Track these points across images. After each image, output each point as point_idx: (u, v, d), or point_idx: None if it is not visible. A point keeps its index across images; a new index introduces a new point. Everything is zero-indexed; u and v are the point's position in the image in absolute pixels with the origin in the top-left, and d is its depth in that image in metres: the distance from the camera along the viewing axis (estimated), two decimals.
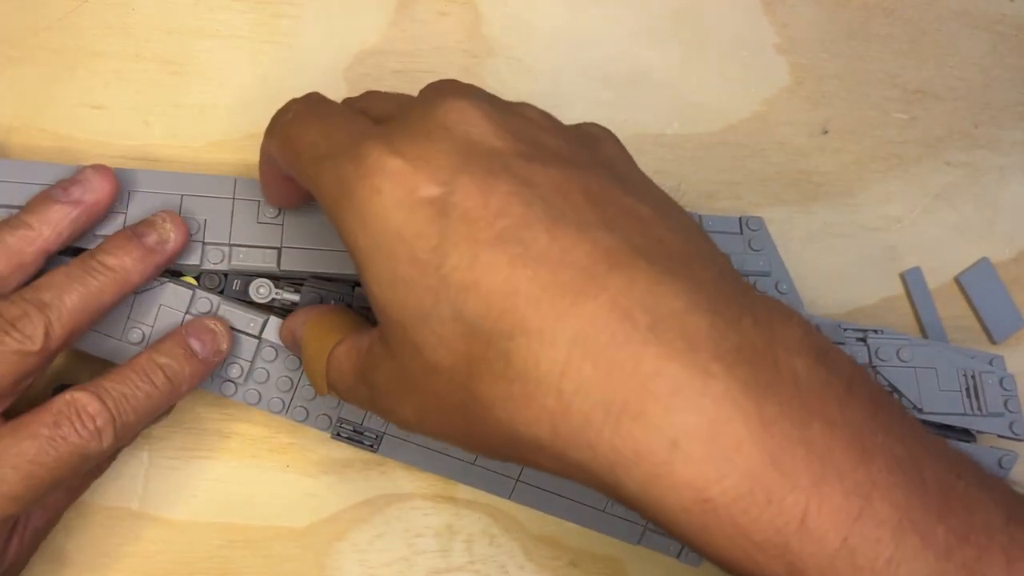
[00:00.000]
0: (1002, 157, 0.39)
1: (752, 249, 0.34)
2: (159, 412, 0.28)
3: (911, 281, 0.37)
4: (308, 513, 0.33)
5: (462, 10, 0.37)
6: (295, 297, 0.31)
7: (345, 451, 0.34)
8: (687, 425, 0.18)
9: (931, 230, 0.38)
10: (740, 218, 0.34)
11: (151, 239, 0.29)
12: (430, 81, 0.25)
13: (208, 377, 0.30)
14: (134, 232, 0.28)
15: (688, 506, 0.19)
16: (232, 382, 0.30)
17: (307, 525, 0.33)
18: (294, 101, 0.26)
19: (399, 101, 0.26)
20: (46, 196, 0.28)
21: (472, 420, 0.21)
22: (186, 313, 0.30)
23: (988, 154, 0.39)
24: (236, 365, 0.30)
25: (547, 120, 0.25)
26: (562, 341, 0.19)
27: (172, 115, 0.34)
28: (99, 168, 0.29)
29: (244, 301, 0.31)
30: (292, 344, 0.29)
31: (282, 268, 0.31)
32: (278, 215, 0.31)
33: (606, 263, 0.20)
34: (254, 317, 0.30)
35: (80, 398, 0.26)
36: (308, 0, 0.36)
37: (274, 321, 0.31)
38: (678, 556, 0.33)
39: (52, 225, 0.28)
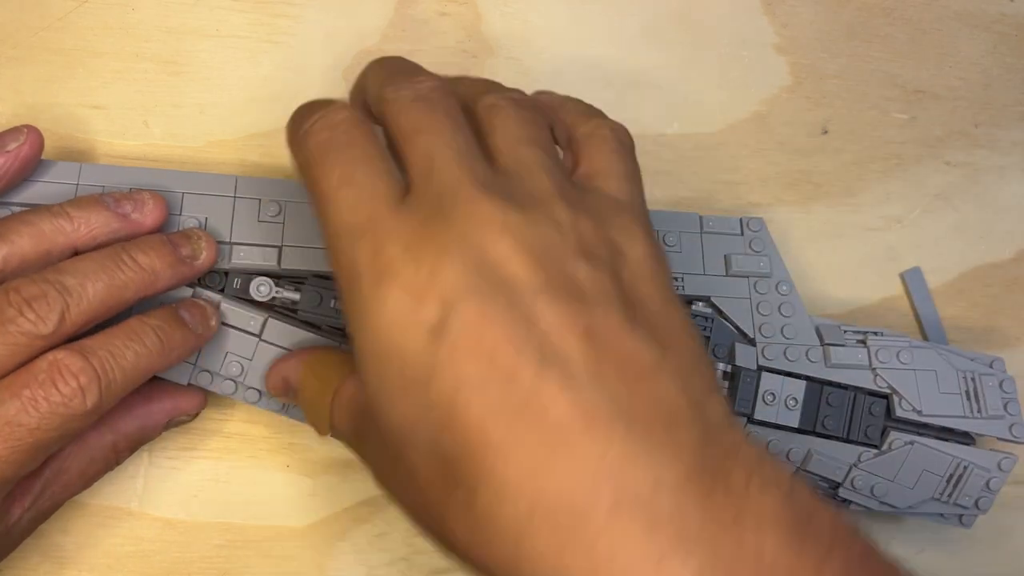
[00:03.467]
0: (1002, 157, 0.39)
1: (753, 250, 0.34)
2: (147, 375, 0.27)
3: (911, 281, 0.37)
4: (308, 513, 0.33)
5: (462, 10, 0.37)
6: (295, 296, 0.31)
7: (345, 451, 0.33)
8: None
9: (931, 230, 0.38)
10: (741, 219, 0.34)
11: (185, 250, 0.29)
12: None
13: (197, 350, 0.29)
14: (169, 239, 0.28)
15: None
16: (232, 380, 0.30)
17: (307, 525, 0.33)
18: (317, 115, 0.24)
19: (438, 152, 0.23)
20: (97, 199, 0.28)
21: (440, 537, 0.22)
22: None
23: (988, 154, 0.39)
24: (236, 363, 0.30)
25: (573, 222, 0.23)
26: (524, 501, 0.19)
27: (172, 115, 0.34)
28: (156, 195, 0.29)
29: (245, 299, 0.31)
30: (283, 389, 0.29)
31: (283, 266, 0.31)
32: (279, 214, 0.31)
33: (582, 424, 0.19)
34: (254, 315, 0.30)
35: (62, 357, 0.25)
36: (308, 0, 0.36)
37: (273, 323, 0.31)
38: None
39: (91, 227, 0.28)
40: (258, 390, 0.31)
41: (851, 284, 0.37)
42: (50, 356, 0.25)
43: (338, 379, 0.27)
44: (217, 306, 0.30)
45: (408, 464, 0.22)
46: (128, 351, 0.26)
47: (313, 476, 0.33)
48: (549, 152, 0.25)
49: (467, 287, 0.21)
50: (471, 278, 0.21)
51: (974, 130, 0.39)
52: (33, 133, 0.29)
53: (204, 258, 0.29)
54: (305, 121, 0.24)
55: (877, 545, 0.20)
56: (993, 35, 0.40)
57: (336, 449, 0.33)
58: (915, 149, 0.38)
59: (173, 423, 0.31)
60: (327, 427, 0.26)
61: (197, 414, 0.32)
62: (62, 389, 0.24)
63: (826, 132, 0.38)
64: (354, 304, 0.22)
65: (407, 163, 0.23)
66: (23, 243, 0.27)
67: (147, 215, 0.29)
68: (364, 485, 0.34)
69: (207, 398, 0.32)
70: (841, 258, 0.37)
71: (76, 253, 0.27)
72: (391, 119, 0.24)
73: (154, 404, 0.30)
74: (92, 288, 0.26)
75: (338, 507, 0.33)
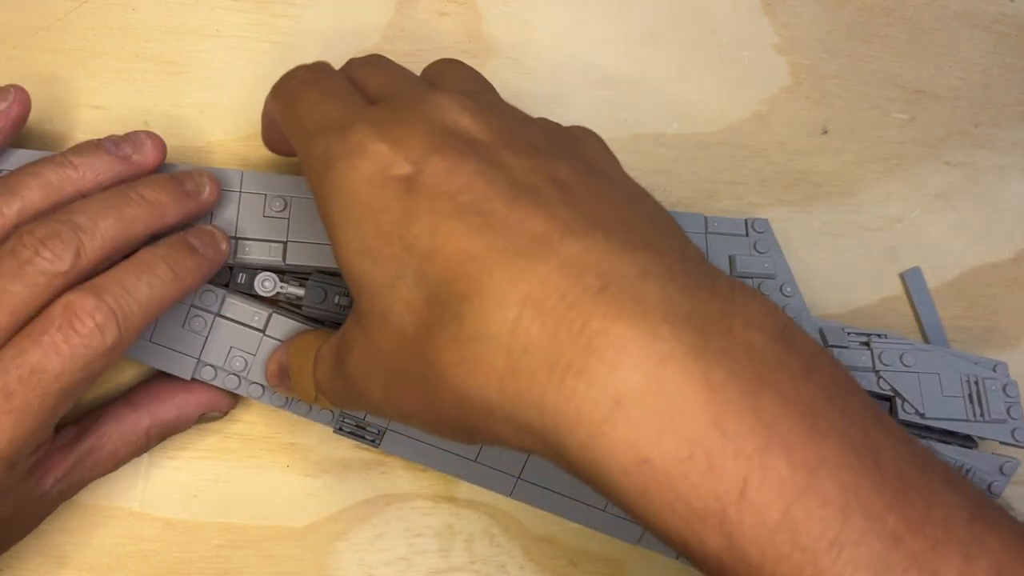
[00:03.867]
0: (1002, 157, 0.39)
1: (757, 251, 0.34)
2: (165, 306, 0.27)
3: (911, 281, 0.37)
4: (308, 513, 0.33)
5: (462, 10, 0.37)
6: (300, 291, 0.31)
7: (345, 451, 0.34)
8: (630, 384, 0.18)
9: (931, 230, 0.38)
10: (746, 220, 0.34)
11: (189, 185, 0.29)
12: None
13: (211, 275, 0.29)
14: (173, 175, 0.29)
15: (627, 468, 0.18)
16: (236, 375, 0.30)
17: (307, 525, 0.33)
18: (301, 67, 0.27)
19: (396, 80, 0.26)
20: (96, 144, 0.29)
21: (430, 391, 0.21)
22: (191, 306, 0.30)
23: (988, 154, 0.39)
24: (240, 358, 0.30)
25: (529, 118, 0.26)
26: (512, 302, 0.19)
27: (172, 115, 0.34)
28: (152, 134, 0.30)
29: (249, 294, 0.31)
30: (279, 374, 0.30)
31: (287, 262, 0.31)
32: (284, 209, 0.31)
33: (561, 232, 0.20)
34: (258, 311, 0.31)
35: (75, 298, 0.25)
36: (308, 0, 0.36)
37: (277, 318, 0.31)
38: (677, 557, 0.33)
39: (95, 172, 0.28)
40: (261, 385, 0.31)
41: (851, 284, 0.37)
42: (63, 300, 0.25)
43: (318, 344, 0.27)
44: (228, 236, 0.30)
45: (394, 319, 0.22)
46: (141, 283, 0.26)
47: (313, 476, 0.33)
48: (494, 91, 0.28)
49: (435, 145, 0.22)
50: (437, 138, 0.22)
51: (974, 130, 0.39)
52: (20, 91, 0.30)
53: (208, 193, 0.30)
54: (283, 77, 0.27)
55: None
56: (993, 35, 0.40)
57: (336, 449, 0.33)
58: (915, 149, 0.38)
59: (205, 417, 0.32)
60: (312, 390, 0.27)
61: (227, 413, 0.32)
62: (80, 330, 0.24)
63: (826, 132, 0.38)
64: (327, 185, 0.23)
65: (370, 95, 0.26)
66: (33, 196, 0.27)
67: (148, 155, 0.29)
68: (364, 485, 0.34)
69: (238, 400, 0.32)
70: (841, 258, 0.37)
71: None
72: (351, 76, 0.27)
73: (193, 396, 0.31)
74: (103, 224, 0.26)
75: (338, 507, 0.33)
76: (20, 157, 0.30)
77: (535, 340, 0.19)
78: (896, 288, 0.37)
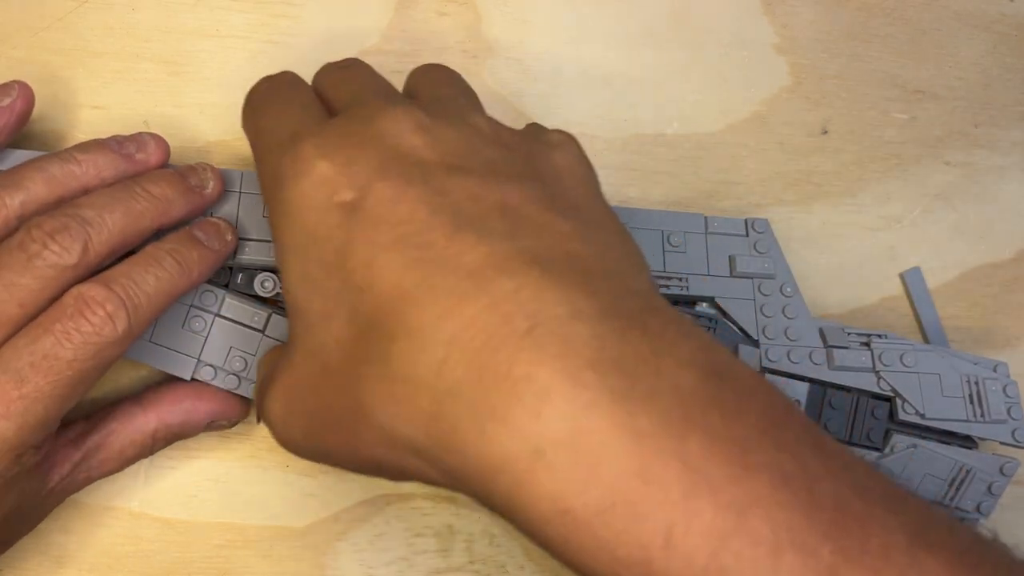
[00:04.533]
0: (1002, 157, 0.39)
1: (757, 252, 0.34)
2: (172, 298, 0.27)
3: (911, 281, 0.37)
4: (308, 513, 0.33)
5: (462, 10, 0.37)
6: None
7: None
8: (552, 433, 0.18)
9: (931, 230, 0.38)
10: (746, 220, 0.34)
11: (193, 180, 0.29)
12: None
13: (218, 267, 0.29)
14: (177, 170, 0.29)
15: (549, 517, 0.18)
16: (236, 375, 0.31)
17: (307, 525, 0.33)
18: (265, 79, 0.28)
19: (361, 91, 0.26)
20: (101, 143, 0.29)
21: (355, 428, 0.21)
22: (191, 306, 0.30)
23: (988, 154, 0.39)
24: (240, 359, 0.30)
25: (494, 132, 0.25)
26: (440, 342, 0.19)
27: (172, 115, 0.34)
28: (156, 135, 0.30)
29: (249, 295, 0.31)
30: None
31: None
32: None
33: (496, 268, 0.19)
34: (258, 311, 0.31)
35: (86, 289, 0.25)
36: (308, 0, 0.36)
37: (277, 318, 0.31)
38: None
39: (99, 169, 0.28)
40: None
41: (851, 284, 0.37)
42: (75, 290, 0.25)
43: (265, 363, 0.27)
44: (233, 228, 0.30)
45: (325, 355, 0.22)
46: (148, 276, 0.26)
47: (313, 476, 0.33)
48: (469, 95, 0.27)
49: (380, 171, 0.22)
50: (384, 162, 0.22)
51: (974, 130, 0.39)
52: (23, 87, 0.30)
53: (212, 187, 0.30)
54: (253, 88, 0.28)
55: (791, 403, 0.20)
56: (993, 35, 0.40)
57: None
58: (915, 149, 0.38)
59: (214, 426, 0.32)
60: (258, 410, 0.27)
61: (236, 423, 0.32)
62: (91, 319, 0.25)
63: (826, 132, 0.38)
64: (276, 207, 0.23)
65: (334, 106, 0.26)
66: (38, 189, 0.27)
67: (151, 154, 0.29)
68: (364, 485, 0.34)
69: (249, 409, 0.32)
70: (841, 258, 0.37)
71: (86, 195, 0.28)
72: (321, 84, 0.27)
73: (202, 402, 0.31)
74: (110, 218, 0.26)
75: (338, 507, 0.33)
76: (18, 157, 0.30)
77: (460, 382, 0.19)
78: (896, 288, 0.37)
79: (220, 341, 0.30)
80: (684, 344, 0.19)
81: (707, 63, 0.38)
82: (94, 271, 0.26)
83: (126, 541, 0.32)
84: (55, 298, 0.25)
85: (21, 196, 0.27)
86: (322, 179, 0.22)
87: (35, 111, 0.31)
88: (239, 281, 0.31)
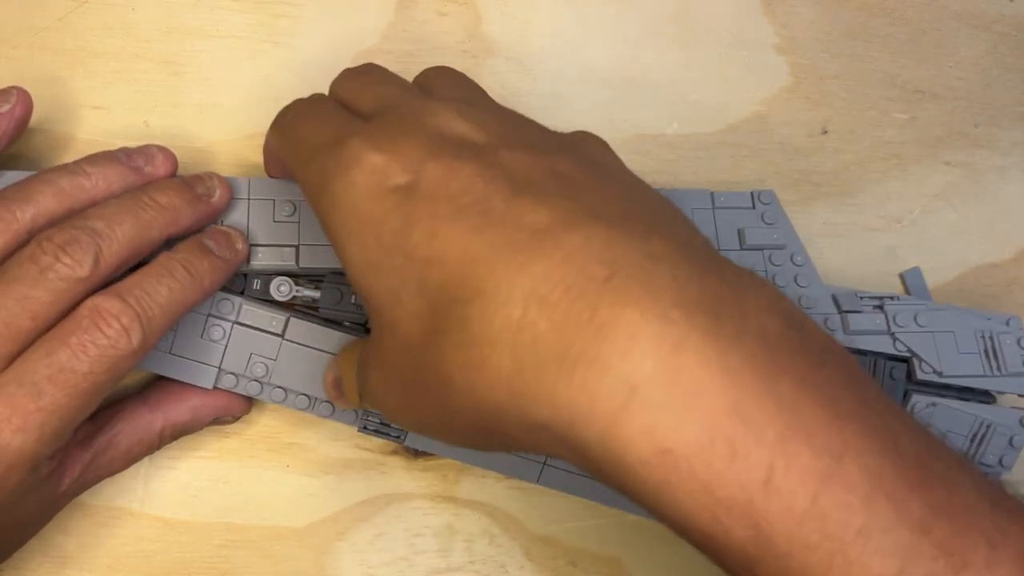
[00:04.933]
0: (1002, 157, 0.39)
1: (765, 223, 0.34)
2: (185, 308, 0.27)
3: (911, 281, 0.37)
4: (308, 513, 0.33)
5: (462, 10, 0.37)
6: (316, 293, 0.31)
7: (345, 451, 0.34)
8: (644, 371, 0.17)
9: (931, 230, 0.38)
10: (752, 192, 0.34)
11: (200, 188, 0.29)
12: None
13: (230, 276, 0.29)
14: (183, 179, 0.29)
15: (647, 458, 0.18)
16: (258, 381, 0.31)
17: (307, 525, 0.33)
18: (298, 101, 0.28)
19: (390, 92, 0.26)
20: (109, 155, 0.29)
21: (441, 399, 0.21)
22: (208, 315, 0.30)
23: (988, 154, 0.39)
24: (261, 364, 0.30)
25: (528, 121, 0.26)
26: (516, 299, 0.19)
27: (172, 115, 0.34)
28: (163, 148, 0.30)
29: (265, 300, 0.31)
30: (335, 385, 0.29)
31: (301, 265, 0.31)
32: (294, 213, 0.31)
33: (562, 224, 0.20)
34: (276, 315, 0.31)
35: (101, 302, 0.25)
36: (308, 0, 0.36)
37: (295, 322, 0.31)
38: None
39: (108, 182, 0.28)
40: (283, 389, 0.31)
41: (851, 284, 0.37)
42: (90, 302, 0.25)
43: (355, 355, 0.27)
44: (244, 236, 0.30)
45: (402, 331, 0.22)
46: (161, 287, 0.26)
47: (313, 476, 0.33)
48: (486, 94, 0.28)
49: (430, 152, 0.22)
50: (432, 147, 0.22)
51: (974, 130, 0.39)
52: (22, 93, 0.30)
53: (219, 195, 0.30)
54: (282, 112, 0.28)
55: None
56: (993, 35, 0.40)
57: (336, 449, 0.33)
58: (915, 149, 0.38)
59: (219, 421, 0.32)
60: (355, 399, 0.27)
61: (239, 418, 0.32)
62: (107, 332, 0.25)
63: (826, 132, 0.38)
64: (327, 203, 0.23)
65: (361, 110, 0.26)
66: (47, 202, 0.27)
67: (159, 167, 0.30)
68: (364, 485, 0.34)
69: (252, 404, 0.32)
70: (841, 258, 0.37)
71: None
72: (343, 90, 0.27)
73: (208, 399, 0.31)
74: (120, 229, 0.26)
75: (338, 507, 0.33)
76: (11, 178, 0.30)
77: (542, 334, 0.18)
78: (896, 288, 0.37)
79: (240, 348, 0.30)
80: (762, 292, 0.19)
81: (707, 63, 0.38)
82: (105, 282, 0.26)
83: (126, 541, 0.32)
84: (67, 310, 0.25)
85: (32, 210, 0.27)
86: (372, 168, 0.22)
87: (35, 112, 0.31)
88: (255, 287, 0.31)
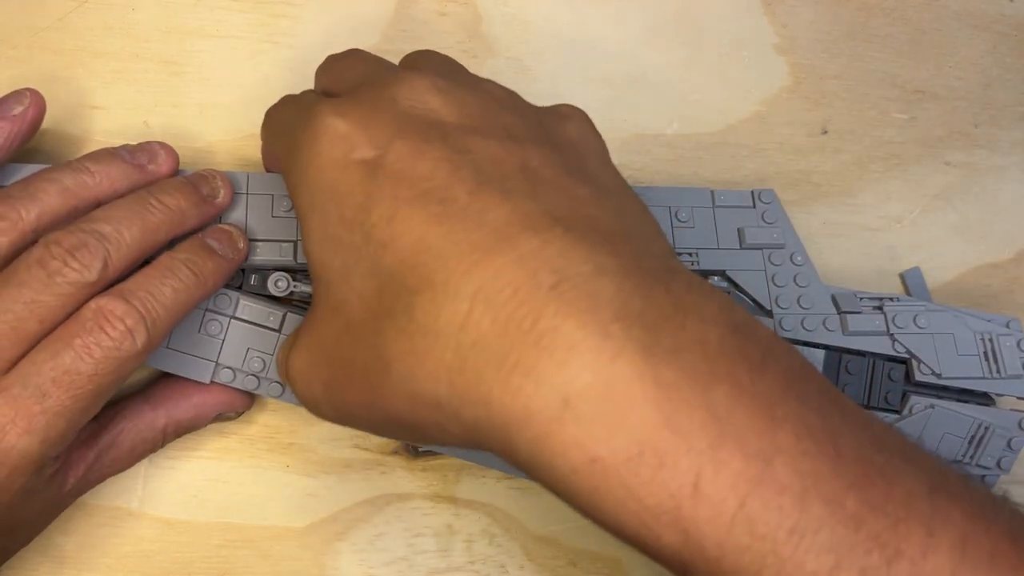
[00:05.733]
0: (1002, 157, 0.39)
1: (765, 222, 0.34)
2: (189, 308, 0.27)
3: (911, 281, 0.37)
4: (308, 513, 0.33)
5: (462, 10, 0.37)
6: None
7: (345, 451, 0.34)
8: (579, 383, 0.18)
9: (931, 230, 0.38)
10: (752, 191, 0.34)
11: (204, 189, 0.29)
12: None
13: (231, 275, 0.29)
14: (189, 179, 0.29)
15: (577, 467, 0.18)
16: (255, 376, 0.31)
17: (307, 525, 0.33)
18: (286, 96, 0.28)
19: (370, 70, 0.26)
20: (112, 153, 0.29)
21: (375, 383, 0.21)
22: (206, 310, 0.30)
23: (988, 154, 0.39)
24: (258, 359, 0.31)
25: (509, 99, 0.25)
26: (464, 295, 0.19)
27: (172, 115, 0.34)
28: (165, 145, 0.30)
29: (263, 295, 0.31)
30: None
31: (299, 261, 0.31)
32: (292, 208, 0.31)
33: (520, 225, 0.20)
34: (274, 311, 0.31)
35: (105, 303, 0.25)
36: (308, 0, 0.36)
37: (293, 317, 0.31)
38: None
39: (112, 180, 0.28)
40: (280, 383, 0.31)
41: (851, 284, 0.37)
42: (93, 304, 0.25)
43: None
44: (245, 234, 0.30)
45: (346, 311, 0.22)
46: (165, 288, 0.26)
47: (313, 476, 0.33)
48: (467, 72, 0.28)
49: (399, 129, 0.22)
50: (403, 122, 0.22)
51: (974, 130, 0.39)
52: (35, 95, 0.30)
53: (223, 196, 0.30)
54: (275, 104, 0.28)
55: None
56: (993, 35, 0.40)
57: (336, 449, 0.33)
58: (915, 149, 0.38)
59: (221, 418, 0.32)
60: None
61: (242, 414, 0.32)
62: (111, 333, 0.25)
63: (826, 132, 0.38)
64: (294, 171, 0.23)
65: (342, 88, 0.26)
66: (52, 200, 0.27)
67: (161, 165, 0.30)
68: (364, 485, 0.34)
69: (254, 400, 0.32)
70: (841, 258, 0.37)
71: (98, 205, 0.28)
72: (326, 77, 0.27)
73: (210, 396, 0.31)
74: (128, 233, 0.26)
75: (338, 507, 0.33)
76: (22, 171, 0.30)
77: (485, 335, 0.19)
78: (896, 288, 0.37)
79: (237, 343, 0.30)
80: (706, 303, 0.20)
81: (707, 63, 0.38)
82: (112, 284, 0.26)
83: (126, 541, 0.32)
84: (72, 313, 0.25)
85: (36, 208, 0.27)
86: (339, 136, 0.22)
87: None
88: (252, 282, 0.31)
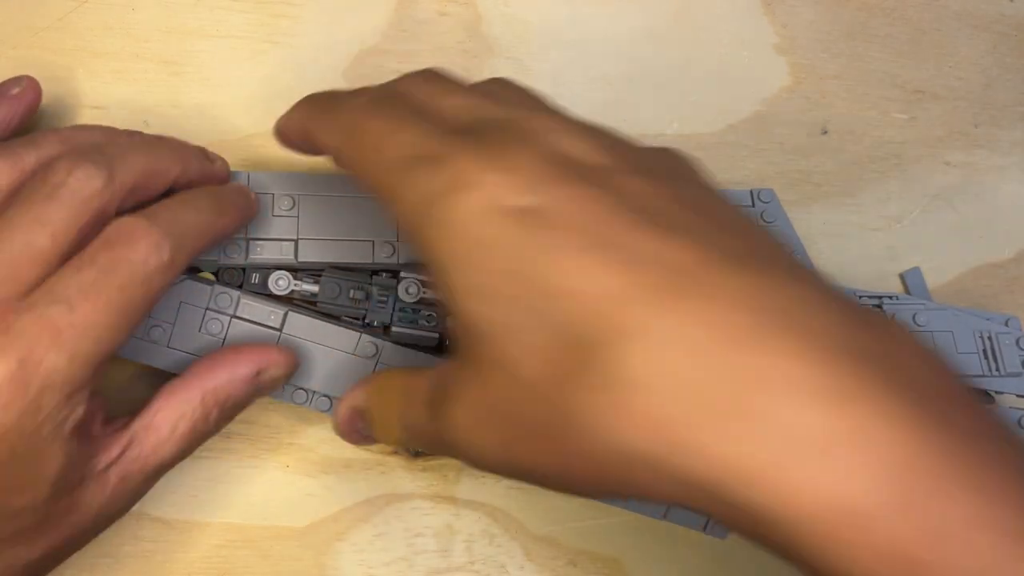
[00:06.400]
0: (1002, 157, 0.39)
1: (765, 221, 0.34)
2: (210, 238, 0.27)
3: (911, 281, 0.37)
4: (308, 513, 0.33)
5: (462, 10, 0.37)
6: (314, 288, 0.31)
7: (345, 451, 0.34)
8: (807, 424, 0.16)
9: (931, 230, 0.38)
10: (752, 191, 0.34)
11: (202, 153, 0.30)
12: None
13: (245, 224, 0.30)
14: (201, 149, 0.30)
15: (812, 513, 0.16)
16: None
17: (307, 525, 0.33)
18: (351, 93, 0.26)
19: (475, 103, 0.24)
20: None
21: (565, 442, 0.19)
22: (206, 309, 0.30)
23: (988, 154, 0.39)
24: None
25: (618, 137, 0.24)
26: (659, 341, 0.18)
27: (172, 115, 0.34)
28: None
29: (264, 294, 0.31)
30: (352, 419, 0.28)
31: (300, 260, 0.31)
32: (293, 207, 0.31)
33: (702, 264, 0.19)
34: (274, 310, 0.31)
35: (128, 220, 0.25)
36: (308, 0, 0.36)
37: (294, 316, 0.31)
38: (704, 529, 0.32)
39: (110, 133, 0.29)
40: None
41: (851, 284, 0.37)
42: (116, 222, 0.25)
43: (401, 388, 0.25)
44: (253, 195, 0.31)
45: (515, 368, 0.20)
46: (187, 211, 0.26)
47: (313, 476, 0.33)
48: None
49: (549, 175, 0.21)
50: (551, 168, 0.21)
51: (974, 130, 0.39)
52: (31, 80, 0.30)
53: (220, 163, 0.30)
54: (334, 99, 0.26)
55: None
56: (993, 35, 0.40)
57: (336, 449, 0.33)
58: (915, 149, 0.38)
59: (264, 382, 0.30)
60: (396, 434, 0.26)
61: (289, 374, 0.30)
62: (137, 247, 0.25)
63: (826, 132, 0.38)
64: (432, 225, 0.21)
65: (451, 120, 0.24)
66: (52, 147, 0.27)
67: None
68: (364, 485, 0.34)
69: (297, 359, 0.30)
70: (841, 258, 0.37)
71: None
72: (415, 96, 0.25)
73: (241, 355, 0.29)
74: (132, 156, 0.26)
75: (338, 507, 0.33)
76: None
77: (689, 382, 0.17)
78: (896, 288, 0.37)
79: (238, 342, 0.31)
80: (907, 337, 0.19)
81: (707, 63, 0.38)
82: (123, 208, 0.26)
83: (126, 541, 0.32)
84: (86, 228, 0.25)
85: (36, 152, 0.27)
86: (487, 188, 0.20)
87: (35, 112, 0.31)
88: (253, 281, 0.31)
